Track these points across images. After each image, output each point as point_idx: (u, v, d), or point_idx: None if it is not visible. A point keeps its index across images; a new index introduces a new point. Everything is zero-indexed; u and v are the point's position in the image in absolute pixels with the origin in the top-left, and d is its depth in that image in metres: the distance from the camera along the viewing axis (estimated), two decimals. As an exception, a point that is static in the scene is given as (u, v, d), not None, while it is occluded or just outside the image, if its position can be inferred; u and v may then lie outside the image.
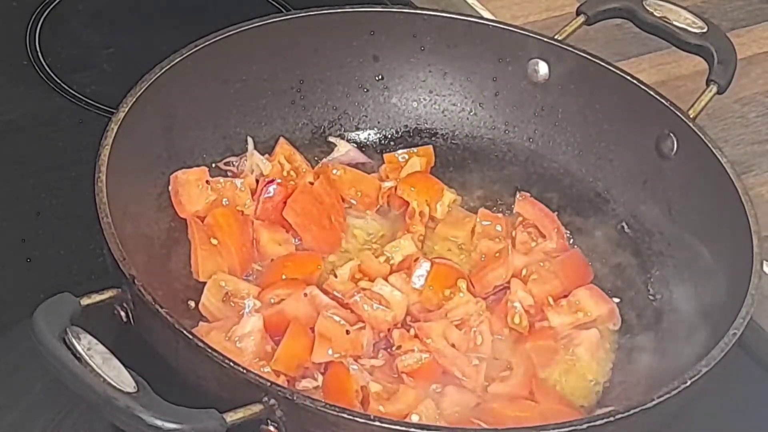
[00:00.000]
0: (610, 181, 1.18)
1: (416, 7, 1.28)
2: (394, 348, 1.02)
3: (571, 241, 1.16)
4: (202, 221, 1.09)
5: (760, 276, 0.98)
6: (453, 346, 1.02)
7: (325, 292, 1.04)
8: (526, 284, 1.08)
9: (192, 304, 1.04)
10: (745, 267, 0.98)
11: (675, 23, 1.20)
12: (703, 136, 1.10)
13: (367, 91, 1.22)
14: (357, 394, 0.97)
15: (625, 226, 1.16)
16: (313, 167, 1.18)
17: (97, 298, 0.90)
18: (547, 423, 0.85)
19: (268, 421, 0.85)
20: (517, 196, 1.17)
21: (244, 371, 0.85)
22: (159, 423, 0.79)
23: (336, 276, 1.07)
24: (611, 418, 0.86)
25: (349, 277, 1.07)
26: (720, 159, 1.07)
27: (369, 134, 1.23)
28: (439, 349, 1.02)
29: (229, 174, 1.15)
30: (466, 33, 1.20)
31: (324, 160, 1.20)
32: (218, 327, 1.01)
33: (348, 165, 1.19)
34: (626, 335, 1.08)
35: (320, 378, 0.99)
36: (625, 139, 1.16)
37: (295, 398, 0.84)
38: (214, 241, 1.07)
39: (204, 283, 1.05)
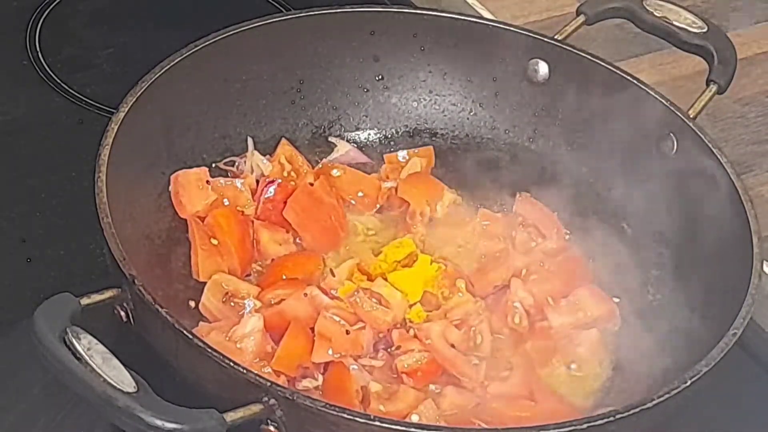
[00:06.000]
0: (610, 181, 1.18)
1: (416, 7, 1.28)
2: (393, 348, 1.02)
3: (571, 241, 1.16)
4: (203, 221, 1.09)
5: (760, 276, 0.98)
6: (453, 345, 1.03)
7: (324, 291, 1.04)
8: (526, 284, 1.08)
9: (192, 304, 1.04)
10: (745, 267, 0.98)
11: (675, 23, 1.20)
12: (703, 136, 1.10)
13: (367, 91, 1.22)
14: (357, 394, 0.97)
15: (625, 226, 1.16)
16: (313, 167, 1.18)
17: (97, 298, 0.90)
18: (547, 423, 0.85)
19: (268, 421, 0.85)
20: (517, 196, 1.17)
21: (244, 371, 0.85)
22: (159, 423, 0.79)
23: (334, 275, 1.07)
24: (611, 418, 0.86)
25: (347, 276, 1.07)
26: (720, 159, 1.07)
27: (369, 134, 1.23)
28: (438, 349, 1.02)
29: (230, 174, 1.15)
30: (466, 33, 1.20)
31: (324, 160, 1.20)
32: (218, 327, 1.01)
33: (348, 165, 1.19)
34: (626, 335, 1.08)
35: (320, 378, 0.99)
36: (625, 139, 1.16)
37: (295, 398, 0.84)
38: (214, 241, 1.07)
39: (204, 283, 1.05)
